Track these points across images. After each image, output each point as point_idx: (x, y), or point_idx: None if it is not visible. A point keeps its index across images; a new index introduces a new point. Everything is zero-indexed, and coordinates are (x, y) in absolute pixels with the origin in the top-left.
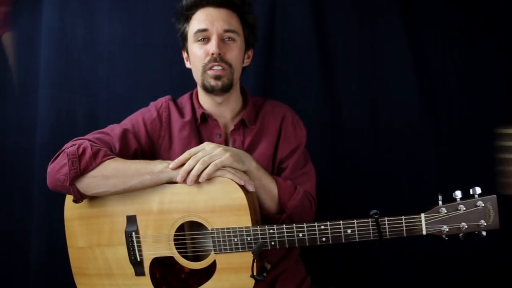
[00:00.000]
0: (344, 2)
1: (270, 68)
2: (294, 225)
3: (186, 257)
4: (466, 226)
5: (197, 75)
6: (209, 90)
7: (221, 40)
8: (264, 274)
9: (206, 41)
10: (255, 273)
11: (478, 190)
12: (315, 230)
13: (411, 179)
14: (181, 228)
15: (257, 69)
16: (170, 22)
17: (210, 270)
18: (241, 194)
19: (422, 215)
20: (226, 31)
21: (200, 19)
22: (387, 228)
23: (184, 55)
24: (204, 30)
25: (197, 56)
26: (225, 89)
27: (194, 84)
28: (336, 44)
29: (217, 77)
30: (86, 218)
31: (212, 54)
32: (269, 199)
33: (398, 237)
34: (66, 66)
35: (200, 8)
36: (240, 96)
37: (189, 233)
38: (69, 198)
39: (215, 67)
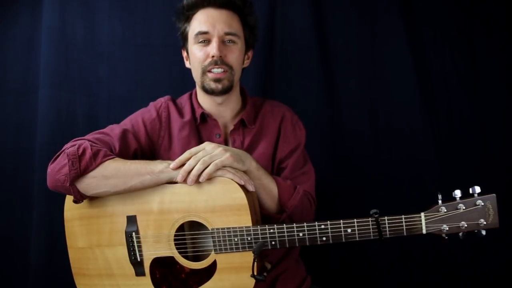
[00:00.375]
0: (344, 2)
1: (270, 68)
2: (294, 225)
3: (186, 257)
4: (466, 225)
5: (196, 76)
6: (209, 92)
7: (222, 42)
8: (265, 274)
9: (206, 43)
10: (255, 273)
11: (477, 189)
12: (315, 230)
13: (411, 179)
14: (181, 228)
15: (257, 69)
16: (170, 22)
17: (210, 270)
18: (241, 194)
19: (422, 214)
20: (227, 33)
21: (201, 21)
22: (387, 227)
23: (184, 54)
24: (205, 32)
25: (197, 58)
26: (226, 91)
27: (194, 84)
28: (336, 44)
29: (217, 80)
30: (86, 218)
31: (213, 56)
32: (269, 199)
33: (398, 237)
34: (66, 66)
35: (201, 8)
36: (240, 96)
37: (189, 233)
38: (69, 199)
39: (215, 69)
